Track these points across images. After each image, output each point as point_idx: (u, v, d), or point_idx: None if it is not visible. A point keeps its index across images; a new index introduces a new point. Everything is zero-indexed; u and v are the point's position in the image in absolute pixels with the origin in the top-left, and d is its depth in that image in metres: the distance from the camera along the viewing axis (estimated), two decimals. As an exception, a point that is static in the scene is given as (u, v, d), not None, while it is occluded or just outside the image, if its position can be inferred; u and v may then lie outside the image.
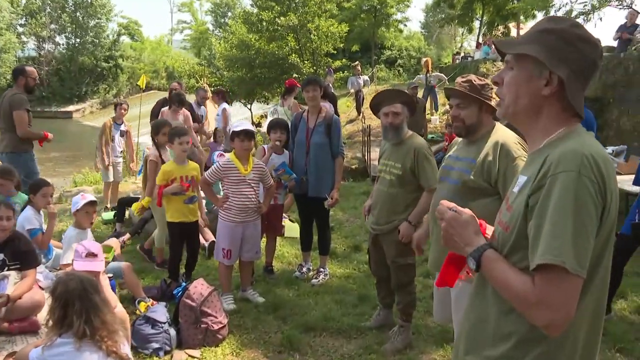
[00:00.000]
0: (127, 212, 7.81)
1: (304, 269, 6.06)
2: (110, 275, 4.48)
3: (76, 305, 2.87)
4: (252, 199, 5.12)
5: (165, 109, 8.72)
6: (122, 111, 9.04)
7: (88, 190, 11.31)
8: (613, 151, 9.29)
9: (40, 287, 4.38)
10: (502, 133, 3.29)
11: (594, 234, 1.54)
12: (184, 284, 4.53)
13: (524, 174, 1.73)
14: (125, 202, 7.62)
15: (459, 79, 3.43)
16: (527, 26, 32.26)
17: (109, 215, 8.16)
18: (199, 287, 4.41)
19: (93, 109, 43.62)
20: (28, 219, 5.03)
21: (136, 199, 7.56)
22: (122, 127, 9.11)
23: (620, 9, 11.45)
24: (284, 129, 5.84)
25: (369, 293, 5.43)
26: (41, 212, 5.31)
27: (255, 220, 5.21)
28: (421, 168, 4.22)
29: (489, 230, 1.85)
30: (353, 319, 4.93)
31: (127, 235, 6.99)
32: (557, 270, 1.50)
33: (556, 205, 1.53)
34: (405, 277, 4.44)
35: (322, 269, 5.95)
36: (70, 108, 42.03)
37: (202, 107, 10.50)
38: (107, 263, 4.43)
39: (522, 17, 29.49)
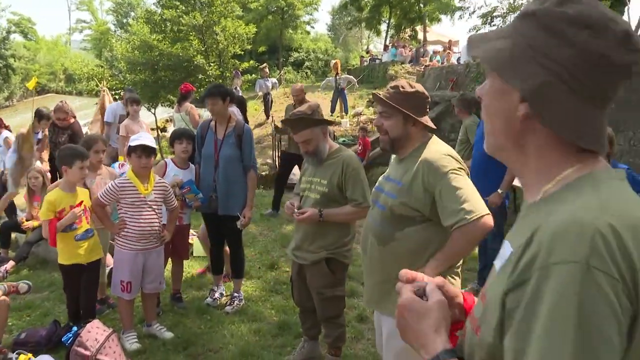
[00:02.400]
0: (12, 235, 6.92)
1: (216, 295, 5.48)
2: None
3: None
4: (154, 224, 4.50)
5: (125, 121, 7.83)
6: (46, 121, 8.13)
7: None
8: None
9: None
10: (432, 148, 2.88)
11: None
12: (74, 328, 3.86)
13: (510, 239, 1.12)
14: (10, 226, 6.72)
15: (392, 83, 3.02)
16: (432, 29, 33.06)
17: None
18: (93, 332, 3.77)
19: (-19, 113, 40.52)
20: None
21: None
22: (39, 136, 8.23)
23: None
24: (190, 139, 5.24)
25: (290, 319, 4.96)
26: None
27: (157, 246, 4.60)
28: (348, 182, 3.78)
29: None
30: (274, 353, 4.45)
31: (11, 263, 6.14)
32: None
33: (547, 324, 0.91)
34: (334, 310, 4.00)
35: (236, 294, 5.39)
36: (-47, 112, 38.83)
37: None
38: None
39: (427, 21, 30.21)
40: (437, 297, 1.21)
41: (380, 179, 3.11)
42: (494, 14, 11.15)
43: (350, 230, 4.02)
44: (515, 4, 11.11)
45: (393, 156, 3.12)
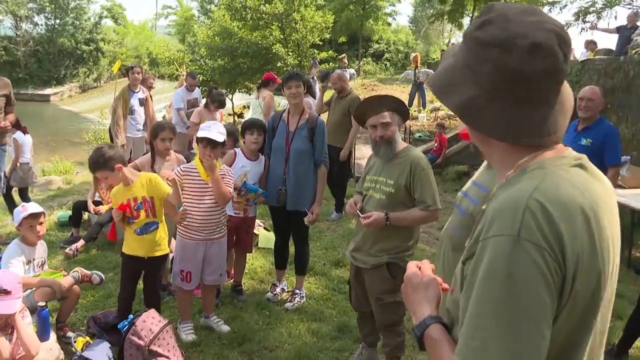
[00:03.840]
0: (85, 215, 7.05)
1: (278, 290, 5.34)
2: (43, 304, 3.74)
3: None
4: (215, 212, 4.38)
5: (200, 107, 7.96)
6: (136, 75, 8.12)
7: (56, 181, 10.52)
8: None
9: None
10: None
11: (549, 321, 1.10)
12: (131, 316, 3.80)
13: None
14: (81, 206, 6.83)
15: None
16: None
17: (64, 215, 7.37)
18: (148, 322, 3.70)
19: (72, 92, 42.36)
20: None
21: (98, 202, 6.84)
22: (140, 95, 8.21)
23: (630, 8, 10.80)
24: (261, 130, 5.09)
25: (350, 322, 4.76)
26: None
27: (220, 237, 4.48)
28: (417, 183, 3.56)
29: None
30: (331, 357, 4.27)
31: (81, 243, 6.23)
32: None
33: (480, 289, 1.12)
34: (393, 317, 3.75)
35: (297, 291, 5.24)
36: (48, 91, 40.75)
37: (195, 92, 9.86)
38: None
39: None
40: (427, 274, 1.48)
41: (468, 182, 2.89)
42: (590, 9, 10.40)
43: (414, 233, 3.80)
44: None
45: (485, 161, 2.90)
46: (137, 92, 8.19)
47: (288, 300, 5.20)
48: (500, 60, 1.18)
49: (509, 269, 1.08)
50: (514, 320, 1.07)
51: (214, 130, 4.27)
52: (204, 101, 8.54)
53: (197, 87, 10.02)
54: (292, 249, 5.44)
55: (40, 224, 4.18)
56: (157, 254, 4.25)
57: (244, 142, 5.21)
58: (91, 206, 6.69)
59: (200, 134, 4.24)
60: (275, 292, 5.30)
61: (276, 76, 9.19)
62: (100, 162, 3.95)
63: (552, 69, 1.19)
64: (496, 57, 1.19)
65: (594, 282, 1.16)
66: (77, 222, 6.76)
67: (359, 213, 3.66)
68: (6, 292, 3.01)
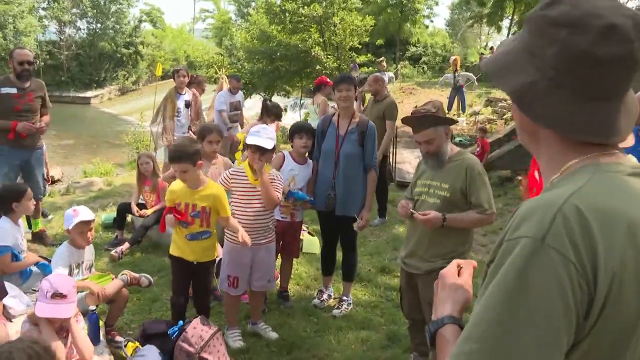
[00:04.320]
0: (129, 217, 7.06)
1: (324, 296, 5.24)
2: (93, 308, 3.71)
3: None
4: (263, 216, 4.30)
5: (254, 120, 8.01)
6: (182, 78, 8.18)
7: (97, 183, 10.63)
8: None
9: (8, 318, 3.62)
10: None
11: (558, 344, 0.94)
12: (180, 322, 3.74)
13: None
14: (126, 208, 6.84)
15: None
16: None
17: (109, 217, 7.39)
18: (199, 329, 3.63)
19: (111, 95, 43.17)
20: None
21: (141, 205, 6.83)
22: (186, 97, 8.26)
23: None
24: (310, 134, 4.99)
25: (399, 331, 4.63)
26: (20, 222, 4.57)
27: (268, 243, 4.40)
28: (473, 186, 3.49)
29: None
30: (382, 367, 4.14)
31: (126, 245, 6.22)
32: None
33: (489, 291, 1.00)
34: None
35: (345, 298, 5.14)
36: (89, 94, 41.59)
37: (237, 95, 9.86)
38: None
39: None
40: (464, 277, 1.35)
41: None
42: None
43: (469, 237, 3.70)
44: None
45: None
46: (184, 95, 8.22)
47: (335, 307, 5.09)
48: (569, 42, 1.04)
49: (522, 274, 0.95)
50: (516, 332, 0.94)
51: (264, 136, 4.18)
52: (250, 106, 8.54)
53: (239, 90, 10.02)
54: (337, 255, 5.33)
55: (90, 229, 4.17)
56: (205, 259, 4.17)
57: (292, 146, 5.13)
58: (135, 209, 6.68)
59: (249, 140, 4.16)
60: (322, 299, 5.20)
61: (327, 80, 9.09)
62: (189, 153, 3.83)
63: (627, 56, 1.04)
64: (565, 38, 1.05)
65: (633, 307, 0.99)
66: (121, 224, 6.78)
67: (414, 211, 3.56)
68: (62, 296, 2.98)
